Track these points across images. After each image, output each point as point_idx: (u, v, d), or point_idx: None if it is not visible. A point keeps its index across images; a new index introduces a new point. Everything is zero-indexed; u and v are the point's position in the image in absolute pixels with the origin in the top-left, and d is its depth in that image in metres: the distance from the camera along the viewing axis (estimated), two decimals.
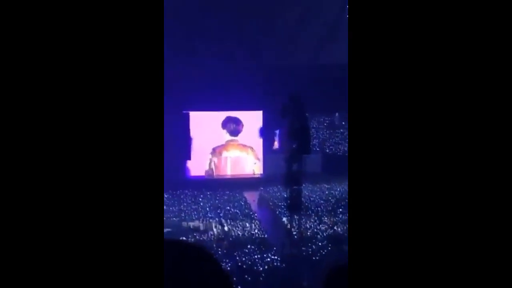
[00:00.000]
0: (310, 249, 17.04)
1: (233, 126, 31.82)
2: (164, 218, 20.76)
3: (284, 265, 15.38)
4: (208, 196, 26.95)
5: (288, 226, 17.55)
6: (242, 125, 32.04)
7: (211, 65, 26.30)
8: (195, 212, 22.39)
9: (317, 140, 34.12)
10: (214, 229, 20.30)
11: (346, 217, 20.44)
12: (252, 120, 32.78)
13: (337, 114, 34.81)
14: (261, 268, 15.44)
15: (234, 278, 13.58)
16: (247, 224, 20.40)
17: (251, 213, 23.56)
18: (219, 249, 16.47)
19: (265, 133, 32.70)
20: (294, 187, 17.04)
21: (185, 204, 25.14)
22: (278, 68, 27.37)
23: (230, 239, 18.80)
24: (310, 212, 22.05)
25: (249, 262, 15.78)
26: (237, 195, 27.52)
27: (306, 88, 21.50)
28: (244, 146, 32.33)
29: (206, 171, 31.69)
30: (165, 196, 25.97)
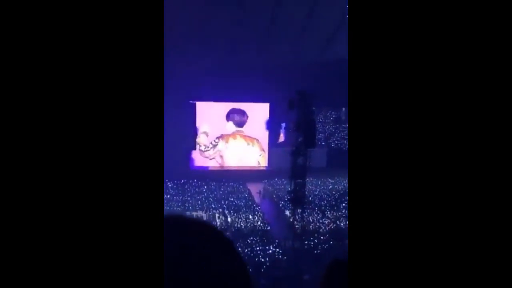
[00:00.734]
0: (312, 243, 17.13)
1: (238, 117, 31.86)
2: (168, 208, 20.88)
3: (285, 257, 15.48)
4: (212, 187, 27.07)
5: (291, 219, 17.61)
6: (247, 116, 32.07)
7: (219, 57, 26.31)
8: (199, 203, 22.51)
9: (323, 135, 34.19)
10: (217, 220, 20.43)
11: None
12: (258, 112, 32.83)
13: (343, 109, 34.81)
14: (262, 260, 15.56)
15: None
16: (250, 216, 20.51)
17: (254, 205, 23.76)
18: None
19: (271, 125, 32.80)
20: (298, 180, 17.07)
21: (189, 194, 25.27)
22: (286, 62, 27.35)
23: (233, 230, 18.98)
24: (313, 206, 22.23)
25: (251, 254, 15.90)
26: (241, 186, 27.63)
27: (314, 83, 21.48)
28: (250, 137, 32.40)
29: (209, 156, 31.76)
30: (169, 185, 26.15)
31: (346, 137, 33.20)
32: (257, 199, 24.16)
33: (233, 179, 27.41)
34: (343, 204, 21.92)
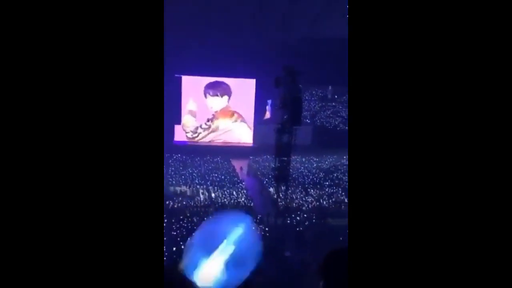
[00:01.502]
0: (294, 220, 17.27)
1: (214, 92, 31.14)
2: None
3: (268, 234, 15.60)
4: (197, 162, 27.04)
5: (275, 196, 17.70)
6: (227, 86, 31.29)
7: (206, 31, 26.00)
8: (182, 177, 22.49)
9: (308, 113, 34.23)
10: (201, 195, 20.48)
11: (333, 191, 20.64)
12: (245, 87, 32.63)
13: (330, 87, 34.81)
14: None
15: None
16: (234, 192, 20.59)
17: (238, 181, 23.84)
18: (205, 216, 16.64)
19: (258, 102, 32.65)
20: (283, 158, 17.12)
21: (173, 168, 25.24)
22: (274, 39, 27.17)
23: (217, 206, 19.03)
24: (297, 183, 22.37)
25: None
26: (225, 162, 27.66)
27: (301, 60, 21.35)
28: (236, 113, 32.17)
29: (191, 131, 31.40)
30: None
31: (331, 115, 33.28)
32: (241, 175, 24.20)
33: (217, 155, 27.37)
34: (327, 183, 22.07)
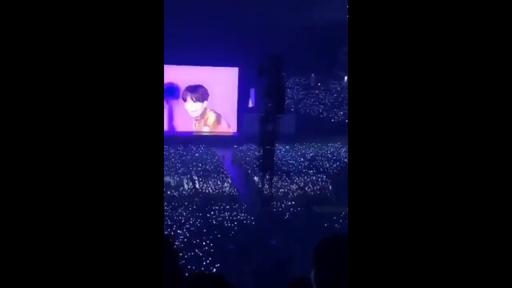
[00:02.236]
0: (280, 208, 17.34)
1: (192, 95, 31.18)
2: None
3: (253, 223, 15.64)
4: (180, 151, 26.90)
5: (260, 185, 17.72)
6: (203, 89, 31.26)
7: (188, 20, 25.76)
8: (165, 168, 22.34)
9: (292, 101, 34.22)
10: (186, 185, 20.41)
11: (317, 178, 20.73)
12: (228, 76, 32.51)
13: (313, 75, 34.82)
14: (231, 225, 15.67)
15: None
16: (219, 182, 20.56)
17: (223, 170, 23.79)
18: (190, 206, 16.63)
19: (241, 91, 32.57)
20: (267, 146, 17.12)
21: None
22: (257, 27, 27.02)
23: (201, 196, 18.98)
24: (281, 172, 22.40)
25: (219, 219, 15.98)
26: (209, 152, 27.57)
27: (284, 48, 21.29)
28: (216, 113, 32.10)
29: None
30: None
31: (315, 103, 33.31)
32: (225, 164, 24.15)
33: (201, 144, 27.27)
34: (311, 171, 22.15)
